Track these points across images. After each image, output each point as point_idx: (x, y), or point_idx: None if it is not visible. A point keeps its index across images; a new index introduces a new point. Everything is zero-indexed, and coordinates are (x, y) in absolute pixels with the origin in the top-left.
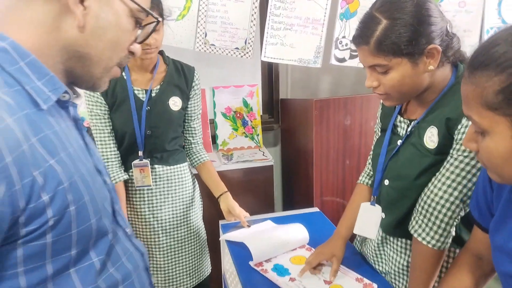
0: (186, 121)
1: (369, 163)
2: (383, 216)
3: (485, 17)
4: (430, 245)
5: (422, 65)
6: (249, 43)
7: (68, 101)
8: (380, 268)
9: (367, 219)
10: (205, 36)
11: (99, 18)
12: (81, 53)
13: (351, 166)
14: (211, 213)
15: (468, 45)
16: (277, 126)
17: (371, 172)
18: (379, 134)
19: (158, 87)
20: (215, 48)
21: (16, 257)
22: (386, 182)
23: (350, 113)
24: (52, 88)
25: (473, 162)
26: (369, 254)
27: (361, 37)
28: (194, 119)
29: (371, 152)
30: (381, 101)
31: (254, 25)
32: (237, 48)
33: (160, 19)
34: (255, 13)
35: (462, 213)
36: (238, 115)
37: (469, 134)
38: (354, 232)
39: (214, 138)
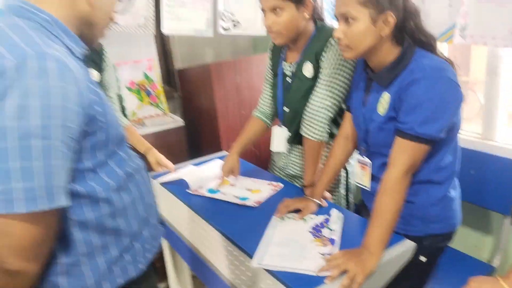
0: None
1: (262, 103)
2: (290, 134)
3: None
4: (313, 138)
5: (301, 11)
6: (148, 19)
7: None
8: (290, 172)
9: (279, 139)
10: None
11: None
12: (89, 21)
13: (246, 114)
14: None
15: None
16: (177, 95)
17: (261, 109)
18: (271, 79)
19: None
20: (120, 26)
21: (86, 146)
22: (286, 109)
23: (238, 73)
24: (76, 45)
25: (335, 80)
26: (281, 163)
27: None
28: (109, 90)
29: (267, 93)
30: (269, 55)
31: (151, 3)
32: (139, 25)
33: None
34: None
35: (331, 115)
36: (141, 87)
37: (338, 29)
38: (272, 149)
39: (122, 110)
